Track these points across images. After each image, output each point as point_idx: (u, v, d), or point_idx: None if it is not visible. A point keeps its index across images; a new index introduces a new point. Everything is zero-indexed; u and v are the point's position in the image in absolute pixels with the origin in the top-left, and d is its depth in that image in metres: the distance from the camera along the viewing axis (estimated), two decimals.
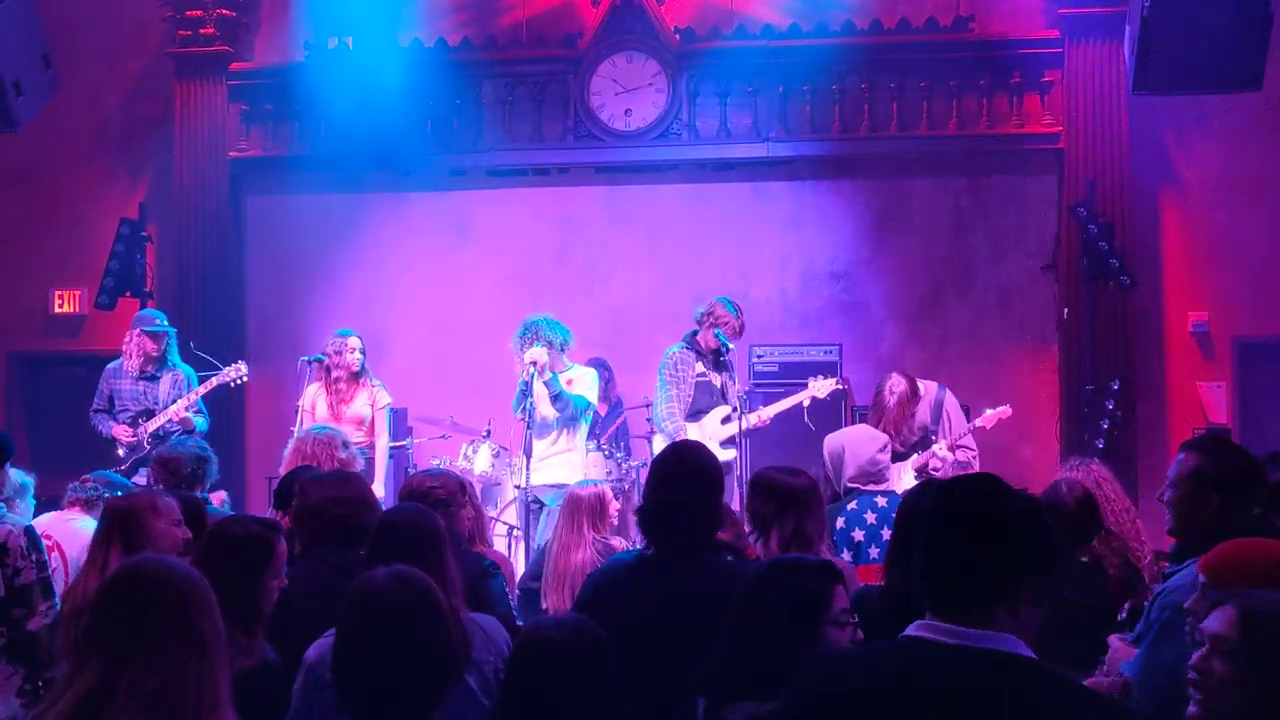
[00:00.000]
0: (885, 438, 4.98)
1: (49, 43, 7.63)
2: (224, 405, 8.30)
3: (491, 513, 7.41)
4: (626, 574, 3.39)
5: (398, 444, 7.93)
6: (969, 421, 6.94)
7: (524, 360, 6.82)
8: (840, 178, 9.25)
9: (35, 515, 4.98)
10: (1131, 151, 8.57)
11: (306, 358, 7.55)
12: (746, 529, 4.02)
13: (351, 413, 7.19)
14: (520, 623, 4.17)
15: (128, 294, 8.72)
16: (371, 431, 7.25)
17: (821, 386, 7.20)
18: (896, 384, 6.73)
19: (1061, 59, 8.67)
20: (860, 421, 7.13)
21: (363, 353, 7.32)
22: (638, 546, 4.29)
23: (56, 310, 9.76)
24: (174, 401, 7.43)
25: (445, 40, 9.26)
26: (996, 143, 8.86)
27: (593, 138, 9.10)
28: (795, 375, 7.95)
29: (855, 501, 4.67)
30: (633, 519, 3.59)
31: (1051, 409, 8.75)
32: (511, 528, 7.53)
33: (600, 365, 8.10)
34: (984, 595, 1.96)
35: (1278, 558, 2.72)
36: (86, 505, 5.09)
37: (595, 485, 5.24)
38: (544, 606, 4.91)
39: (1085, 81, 8.59)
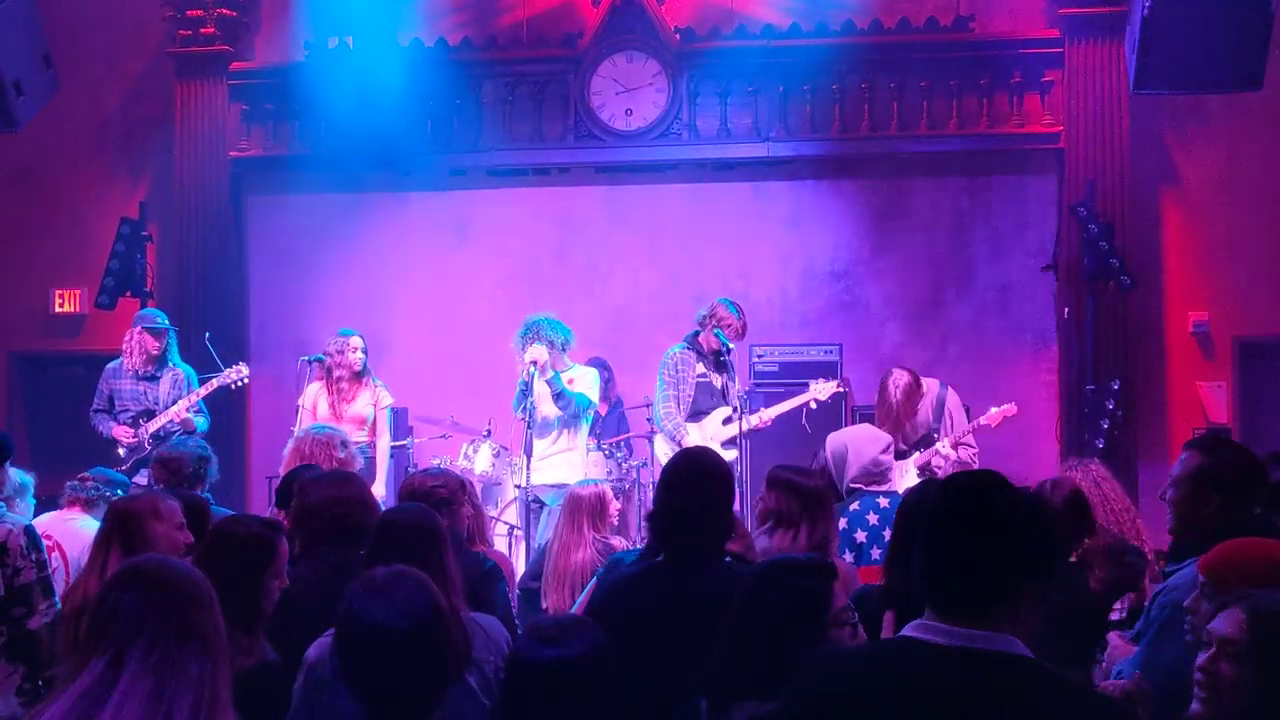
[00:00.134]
0: (888, 438, 4.97)
1: (49, 42, 7.64)
2: (225, 405, 8.29)
3: (492, 512, 7.41)
4: (638, 582, 3.35)
5: (398, 443, 7.93)
6: (972, 420, 6.94)
7: (524, 359, 6.82)
8: (840, 177, 9.25)
9: (35, 515, 4.98)
10: (1132, 151, 8.57)
11: (307, 357, 7.55)
12: (751, 527, 4.03)
13: (353, 412, 7.19)
14: (520, 623, 4.17)
15: (128, 294, 8.71)
16: (373, 431, 7.25)
17: (823, 389, 7.20)
18: (899, 378, 6.74)
19: (1062, 59, 8.67)
20: (861, 421, 7.13)
21: (365, 352, 7.32)
22: (638, 546, 4.30)
23: (57, 310, 9.76)
24: (174, 401, 7.43)
25: (445, 40, 9.26)
26: (997, 142, 8.87)
27: (593, 137, 9.10)
28: (795, 375, 7.95)
29: (857, 502, 4.65)
30: (633, 519, 3.59)
31: (1051, 409, 8.75)
32: (512, 527, 7.54)
33: (600, 365, 8.10)
34: (984, 595, 1.94)
35: (1277, 558, 2.72)
36: (86, 505, 5.10)
37: (596, 485, 5.24)
38: (544, 606, 4.91)
39: (1086, 81, 8.59)
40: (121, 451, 7.39)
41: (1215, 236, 8.82)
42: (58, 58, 7.78)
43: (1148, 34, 6.64)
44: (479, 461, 7.71)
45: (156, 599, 2.13)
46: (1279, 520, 3.56)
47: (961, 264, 9.10)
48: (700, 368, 7.05)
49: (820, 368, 8.03)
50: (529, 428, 6.73)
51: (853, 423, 7.56)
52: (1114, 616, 4.24)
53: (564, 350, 7.03)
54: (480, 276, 9.37)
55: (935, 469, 6.57)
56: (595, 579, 4.37)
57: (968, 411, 7.05)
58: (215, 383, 7.50)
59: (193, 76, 9.31)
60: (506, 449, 7.79)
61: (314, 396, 7.26)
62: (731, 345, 7.03)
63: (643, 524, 5.86)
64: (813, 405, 7.19)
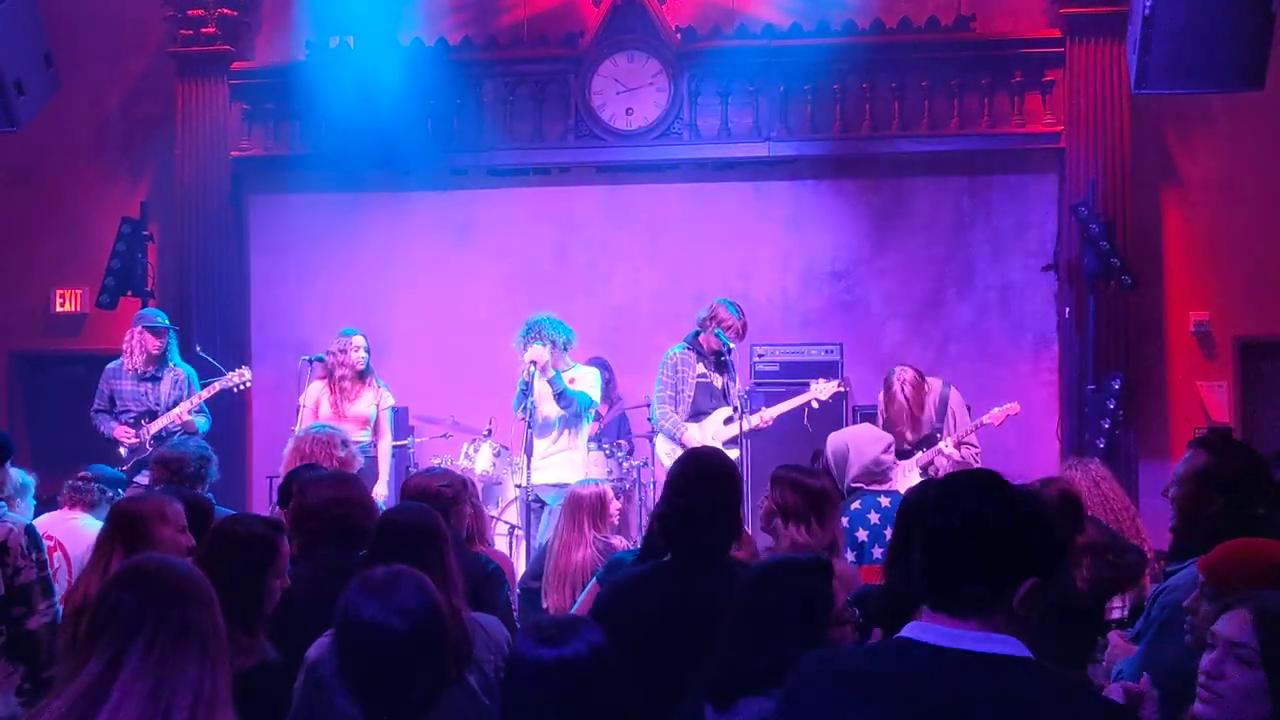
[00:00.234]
0: (889, 438, 4.97)
1: (50, 42, 7.63)
2: (225, 405, 8.29)
3: (492, 512, 7.41)
4: (646, 581, 3.33)
5: (399, 443, 7.93)
6: (974, 419, 6.93)
7: (524, 359, 6.82)
8: (841, 177, 9.25)
9: (35, 515, 4.98)
10: (1133, 151, 8.57)
11: (307, 357, 7.55)
12: (753, 528, 4.03)
13: (355, 411, 7.19)
14: (520, 623, 4.16)
15: (129, 293, 8.72)
16: (376, 431, 7.26)
17: (824, 389, 7.19)
18: (903, 374, 6.75)
19: (1063, 58, 8.67)
20: (862, 421, 7.13)
21: (368, 351, 7.32)
22: (638, 546, 4.29)
23: (58, 310, 9.77)
24: (175, 401, 7.43)
25: (446, 40, 9.26)
26: (998, 142, 8.86)
27: (594, 137, 9.10)
28: (796, 375, 7.95)
29: (859, 501, 4.65)
30: (633, 518, 3.58)
31: (1051, 408, 8.75)
32: (512, 527, 7.54)
33: (601, 365, 8.09)
34: (983, 595, 1.93)
35: (1277, 558, 2.71)
36: (86, 505, 5.10)
37: (596, 484, 5.24)
38: (544, 606, 4.91)
39: (1087, 80, 8.59)
40: (123, 451, 7.39)
41: (1216, 236, 8.82)
42: (59, 57, 7.77)
43: (1149, 33, 6.63)
44: (479, 461, 7.72)
45: (156, 599, 2.13)
46: None
47: (962, 264, 9.10)
48: (700, 368, 7.05)
49: (821, 367, 8.03)
50: (529, 427, 6.72)
51: (854, 422, 7.56)
52: (1115, 615, 4.23)
53: (565, 350, 7.03)
54: (481, 276, 9.37)
55: (937, 469, 6.56)
56: (595, 579, 4.38)
57: (969, 411, 7.05)
58: (218, 385, 7.50)
59: (194, 76, 9.32)
60: (507, 448, 7.79)
61: (316, 395, 7.25)
62: (732, 345, 7.03)
63: (643, 524, 5.86)
64: (814, 405, 7.19)
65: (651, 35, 8.97)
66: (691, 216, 9.30)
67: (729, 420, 6.99)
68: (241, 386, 7.61)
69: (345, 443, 5.56)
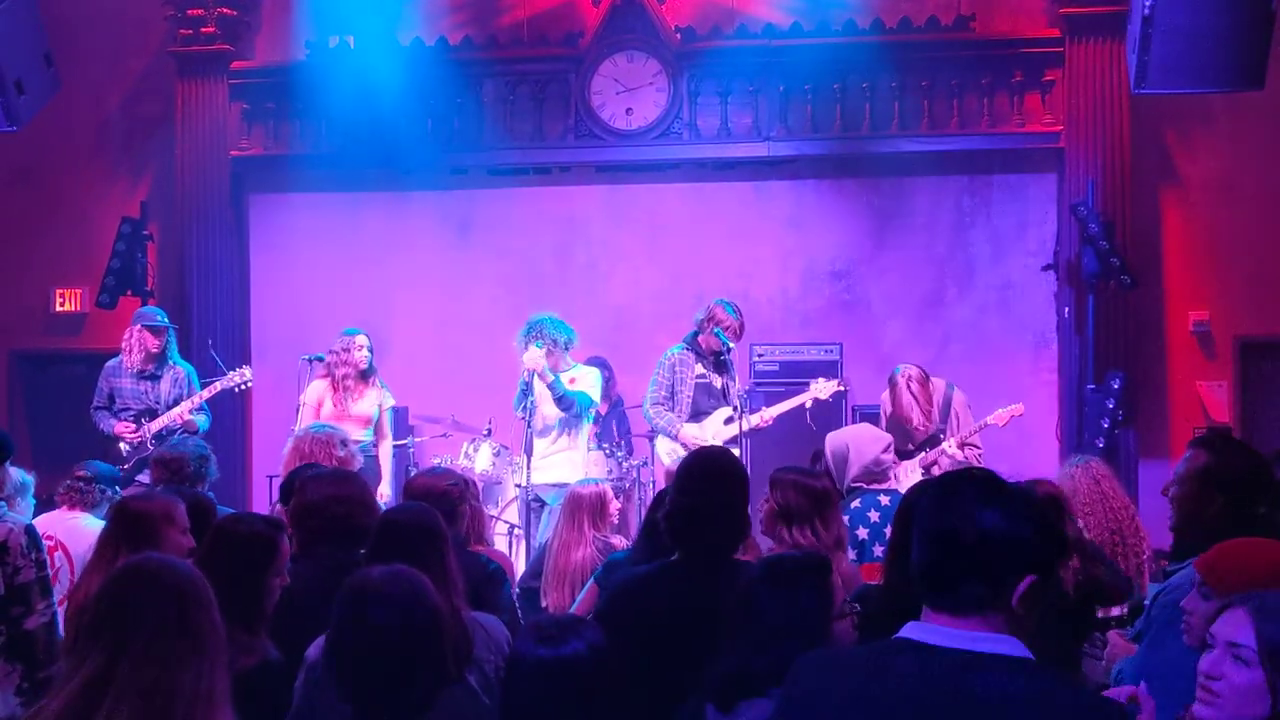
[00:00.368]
0: (889, 438, 4.97)
1: (50, 41, 7.64)
2: (226, 404, 8.30)
3: (492, 512, 7.42)
4: (653, 581, 3.32)
5: (399, 443, 7.94)
6: (978, 420, 6.92)
7: (523, 363, 6.82)
8: (841, 177, 9.25)
9: (35, 514, 4.98)
10: (1133, 150, 8.57)
11: (307, 356, 7.55)
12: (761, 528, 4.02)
13: (358, 411, 7.19)
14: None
15: (129, 293, 8.72)
16: (377, 431, 7.26)
17: (824, 388, 7.19)
18: (909, 370, 6.76)
19: (1063, 58, 8.67)
20: (862, 420, 7.13)
21: (371, 351, 7.33)
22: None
23: (58, 309, 9.77)
24: (175, 400, 7.43)
25: (446, 39, 9.26)
26: (998, 142, 8.86)
27: (594, 137, 9.10)
28: (796, 374, 7.95)
29: (859, 500, 4.65)
30: (633, 518, 3.58)
31: (1051, 408, 8.75)
32: (512, 526, 7.54)
33: (600, 364, 8.09)
34: (983, 594, 1.93)
35: (1275, 558, 2.71)
36: (86, 506, 5.10)
37: (596, 484, 5.24)
38: (544, 605, 4.91)
39: (1087, 80, 8.59)
40: (124, 448, 7.39)
41: (1216, 236, 8.82)
42: (59, 57, 7.78)
43: (1149, 33, 6.63)
44: (479, 460, 7.72)
45: (154, 597, 2.13)
46: None
47: (962, 263, 9.10)
48: (699, 368, 7.04)
49: (821, 367, 8.04)
50: (529, 427, 6.73)
51: (854, 421, 7.56)
52: (1115, 613, 4.22)
53: (567, 349, 7.03)
54: (481, 275, 9.37)
55: (940, 470, 6.55)
56: (593, 579, 4.38)
57: (972, 411, 7.04)
58: (219, 385, 7.50)
59: (194, 75, 9.32)
60: (507, 448, 7.79)
61: (319, 394, 7.25)
62: (731, 345, 7.03)
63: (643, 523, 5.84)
64: (809, 404, 7.17)
65: (651, 35, 8.97)
66: (692, 216, 9.30)
67: (729, 420, 6.99)
68: (242, 386, 7.62)
69: (345, 442, 5.56)
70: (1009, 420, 6.93)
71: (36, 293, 9.77)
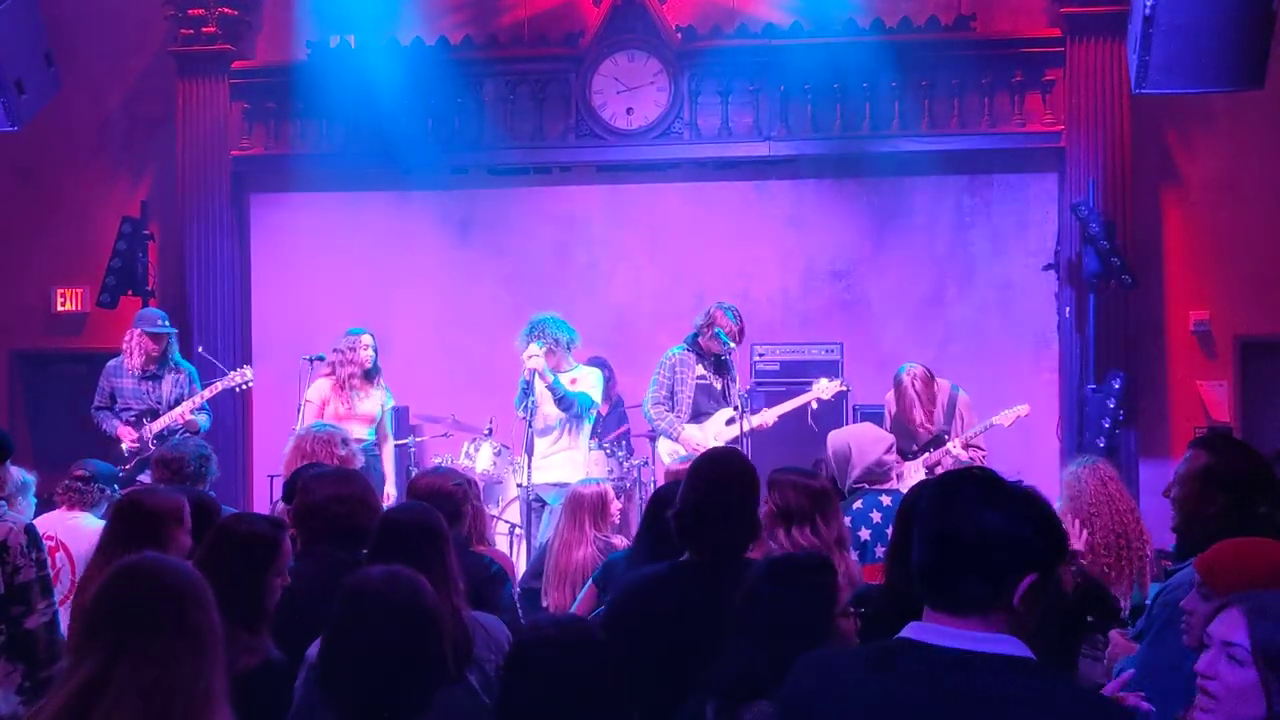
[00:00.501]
0: (891, 438, 4.96)
1: (51, 41, 7.63)
2: (227, 403, 8.31)
3: (493, 511, 7.42)
4: (662, 582, 3.30)
5: (400, 442, 7.95)
6: (982, 420, 6.92)
7: (524, 364, 6.82)
8: (842, 176, 9.25)
9: (35, 514, 4.98)
10: (1133, 150, 8.57)
11: (307, 356, 7.55)
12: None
13: (363, 410, 7.18)
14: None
15: (130, 292, 8.73)
16: (379, 431, 7.26)
17: (825, 388, 7.19)
18: (913, 369, 6.76)
19: (1063, 57, 8.67)
20: (863, 420, 7.13)
21: (375, 351, 7.32)
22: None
23: (58, 308, 9.77)
24: (177, 400, 7.42)
25: (447, 39, 9.26)
26: (998, 141, 8.86)
27: (594, 136, 9.10)
28: (796, 374, 7.96)
29: (860, 500, 4.65)
30: (634, 518, 3.57)
31: (1052, 408, 8.74)
32: (513, 526, 7.54)
33: (600, 364, 8.09)
34: (984, 594, 1.93)
35: (1274, 558, 2.71)
36: (86, 506, 5.10)
37: (597, 484, 5.24)
38: (544, 604, 4.91)
39: (1087, 80, 8.59)
40: (125, 449, 7.39)
41: (1217, 235, 8.82)
42: (59, 56, 7.78)
43: (1149, 32, 6.62)
44: (480, 460, 7.72)
45: (153, 597, 2.13)
46: None
47: (962, 263, 9.10)
48: (700, 369, 7.03)
49: (821, 367, 8.04)
50: (530, 427, 6.73)
51: (854, 421, 7.56)
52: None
53: (568, 349, 7.02)
54: (481, 275, 9.37)
55: (942, 470, 6.55)
56: (592, 579, 4.38)
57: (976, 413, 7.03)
58: (220, 385, 7.49)
59: (194, 75, 9.32)
60: (508, 447, 7.79)
61: (323, 393, 7.22)
62: (733, 346, 7.03)
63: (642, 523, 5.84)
64: (814, 405, 7.18)
65: (652, 35, 8.97)
66: (692, 216, 9.30)
67: (730, 421, 6.99)
68: (243, 386, 7.61)
69: (346, 441, 5.55)
70: (1014, 421, 6.92)
71: (37, 292, 9.77)
